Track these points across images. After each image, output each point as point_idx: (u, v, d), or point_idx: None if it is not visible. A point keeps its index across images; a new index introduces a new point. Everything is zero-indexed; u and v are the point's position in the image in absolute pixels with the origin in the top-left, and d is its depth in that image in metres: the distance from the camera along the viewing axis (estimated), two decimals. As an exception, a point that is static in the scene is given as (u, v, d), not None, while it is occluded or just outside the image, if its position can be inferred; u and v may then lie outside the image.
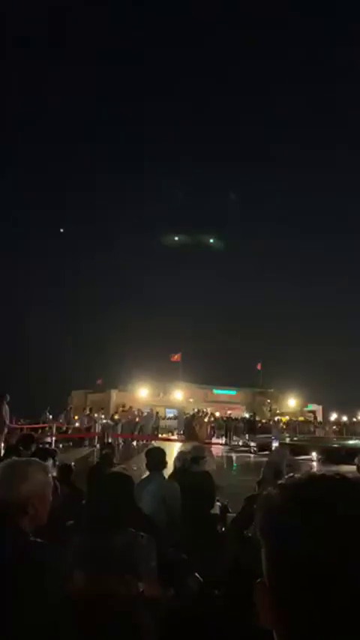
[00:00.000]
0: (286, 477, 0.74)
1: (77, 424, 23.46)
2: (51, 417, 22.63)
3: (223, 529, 4.26)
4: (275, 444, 15.83)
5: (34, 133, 65.69)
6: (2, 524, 1.68)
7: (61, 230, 51.98)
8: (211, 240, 53.66)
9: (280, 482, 0.72)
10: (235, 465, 15.87)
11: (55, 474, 4.21)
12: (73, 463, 6.03)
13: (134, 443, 19.90)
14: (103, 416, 23.70)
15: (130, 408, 25.27)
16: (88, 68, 65.43)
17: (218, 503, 4.82)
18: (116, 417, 24.03)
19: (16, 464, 1.89)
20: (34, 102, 66.00)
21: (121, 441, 19.21)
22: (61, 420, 22.17)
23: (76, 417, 25.19)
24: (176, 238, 53.04)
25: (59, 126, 63.72)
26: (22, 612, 1.49)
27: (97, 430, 19.66)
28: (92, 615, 1.66)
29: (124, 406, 25.92)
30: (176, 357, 38.56)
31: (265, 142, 72.79)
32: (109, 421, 22.18)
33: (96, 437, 18.46)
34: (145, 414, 25.84)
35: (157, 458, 4.53)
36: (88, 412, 24.64)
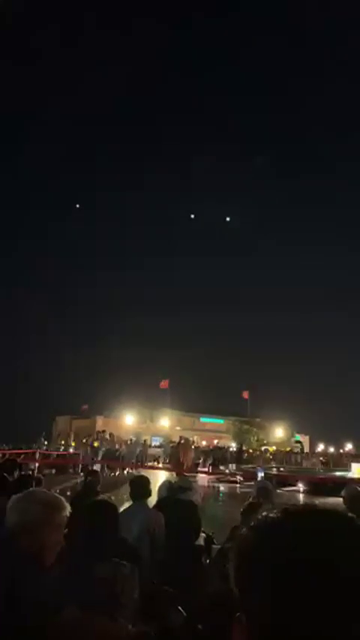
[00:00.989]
0: (259, 516, 0.74)
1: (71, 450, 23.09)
2: (46, 442, 22.15)
3: (208, 561, 4.18)
4: (260, 475, 15.65)
5: (36, 134, 66.25)
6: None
7: (77, 206, 51.28)
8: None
9: (252, 523, 0.72)
10: (221, 495, 15.65)
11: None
12: (68, 493, 5.91)
13: (118, 472, 19.45)
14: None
15: (111, 435, 24.87)
16: (91, 66, 66.59)
17: (203, 535, 4.74)
18: (96, 444, 23.65)
19: (17, 497, 1.94)
20: (35, 101, 66.66)
21: (103, 468, 18.77)
22: (46, 447, 21.78)
23: (74, 444, 24.82)
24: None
25: (59, 127, 64.36)
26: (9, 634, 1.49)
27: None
28: None
29: (103, 432, 25.45)
30: (164, 384, 38.32)
31: (266, 148, 74.10)
32: (88, 448, 21.86)
33: (80, 464, 18.14)
34: (131, 441, 25.47)
35: (141, 486, 4.46)
36: (84, 440, 24.34)
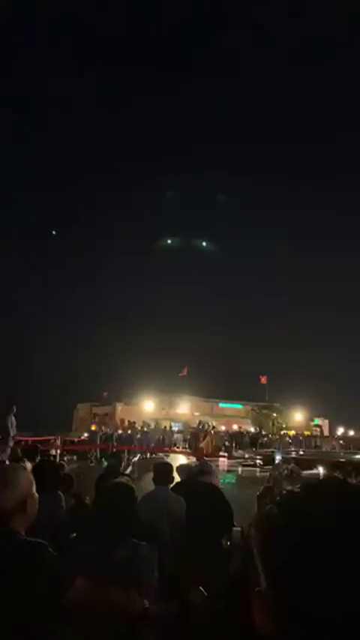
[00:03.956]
0: (284, 492, 0.74)
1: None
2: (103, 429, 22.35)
3: (228, 543, 4.22)
4: (278, 458, 15.68)
5: (28, 141, 66.25)
6: (2, 528, 1.73)
7: (54, 232, 52.01)
8: (204, 244, 53.44)
9: (278, 498, 0.73)
10: (234, 479, 15.72)
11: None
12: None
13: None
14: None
15: (114, 420, 25.05)
16: (86, 72, 66.14)
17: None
18: (93, 428, 23.75)
19: (6, 471, 1.96)
20: (31, 106, 66.53)
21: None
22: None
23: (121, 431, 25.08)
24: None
25: (52, 134, 64.24)
26: (19, 611, 1.52)
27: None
28: (91, 625, 1.66)
29: (105, 415, 25.57)
30: (184, 372, 38.54)
31: (262, 148, 73.16)
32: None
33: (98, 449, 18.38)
34: (147, 426, 25.61)
35: (164, 473, 4.51)
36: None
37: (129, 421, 27.84)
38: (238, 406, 42.47)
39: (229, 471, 17.21)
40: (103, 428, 23.84)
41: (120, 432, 23.90)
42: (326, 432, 36.06)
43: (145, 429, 25.30)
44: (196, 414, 36.69)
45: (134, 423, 25.92)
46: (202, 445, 22.44)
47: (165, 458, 14.98)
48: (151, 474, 4.53)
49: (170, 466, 4.67)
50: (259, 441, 26.47)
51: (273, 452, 19.75)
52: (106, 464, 8.38)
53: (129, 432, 24.36)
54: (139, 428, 24.88)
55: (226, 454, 22.88)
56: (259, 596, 0.68)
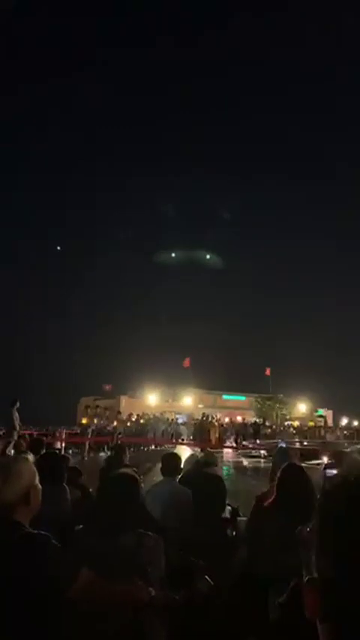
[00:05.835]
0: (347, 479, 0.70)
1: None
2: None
3: (234, 533, 4.22)
4: (281, 445, 15.74)
5: (22, 152, 65.92)
6: (6, 520, 1.72)
7: (58, 248, 51.74)
8: (208, 256, 53.08)
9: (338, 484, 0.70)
10: (242, 468, 15.79)
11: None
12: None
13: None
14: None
15: (105, 410, 24.84)
16: (79, 80, 65.57)
17: (228, 507, 4.77)
18: (84, 420, 23.57)
19: (9, 463, 1.95)
20: (25, 115, 65.94)
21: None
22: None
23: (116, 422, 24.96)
24: (173, 253, 52.52)
25: (50, 142, 63.94)
26: (22, 603, 1.51)
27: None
28: (95, 616, 1.65)
29: (97, 407, 25.27)
30: (187, 362, 38.56)
31: (264, 153, 72.73)
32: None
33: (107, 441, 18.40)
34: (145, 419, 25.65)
35: (172, 464, 4.51)
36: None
37: (138, 414, 27.88)
38: (242, 398, 42.53)
39: (234, 462, 17.29)
40: (95, 420, 23.59)
41: (115, 424, 23.76)
42: (330, 423, 36.07)
43: (142, 421, 25.37)
44: (200, 406, 36.76)
45: (145, 415, 25.93)
46: (207, 437, 22.53)
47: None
48: (155, 466, 4.53)
49: (178, 457, 4.67)
50: (262, 431, 26.55)
51: (277, 443, 19.82)
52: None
53: (128, 424, 24.42)
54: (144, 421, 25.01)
55: (233, 445, 23.01)
56: (311, 585, 0.67)
